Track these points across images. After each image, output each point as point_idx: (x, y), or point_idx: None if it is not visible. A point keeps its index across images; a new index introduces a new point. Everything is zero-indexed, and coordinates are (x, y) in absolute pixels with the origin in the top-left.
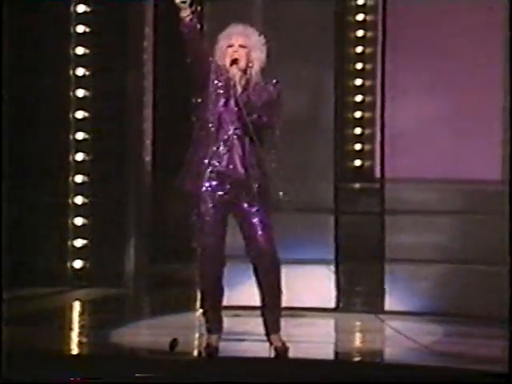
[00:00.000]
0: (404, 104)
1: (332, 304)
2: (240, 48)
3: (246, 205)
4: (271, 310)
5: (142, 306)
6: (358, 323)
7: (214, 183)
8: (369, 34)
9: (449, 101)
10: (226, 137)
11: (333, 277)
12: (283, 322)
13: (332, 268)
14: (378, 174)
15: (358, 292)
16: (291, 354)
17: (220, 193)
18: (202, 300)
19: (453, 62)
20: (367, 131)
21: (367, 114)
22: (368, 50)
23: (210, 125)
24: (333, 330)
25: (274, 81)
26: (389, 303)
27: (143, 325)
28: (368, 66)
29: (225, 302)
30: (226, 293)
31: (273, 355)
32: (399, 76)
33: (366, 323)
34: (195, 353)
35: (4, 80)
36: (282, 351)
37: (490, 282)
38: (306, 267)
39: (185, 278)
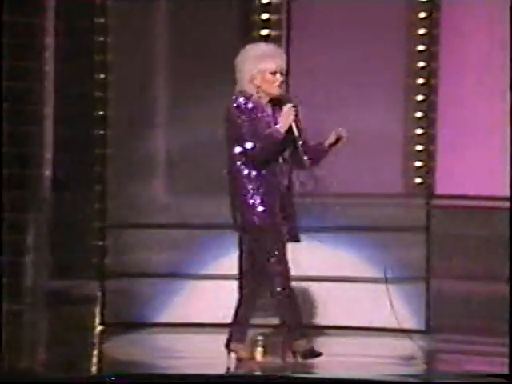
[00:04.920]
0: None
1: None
2: (281, 76)
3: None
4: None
5: (39, 323)
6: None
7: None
8: None
9: None
10: (277, 165)
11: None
12: None
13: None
14: None
15: None
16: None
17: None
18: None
19: None
20: None
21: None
22: None
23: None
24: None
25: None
26: None
27: (41, 341)
28: None
29: None
30: None
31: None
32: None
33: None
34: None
35: None
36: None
37: None
38: None
39: (84, 294)
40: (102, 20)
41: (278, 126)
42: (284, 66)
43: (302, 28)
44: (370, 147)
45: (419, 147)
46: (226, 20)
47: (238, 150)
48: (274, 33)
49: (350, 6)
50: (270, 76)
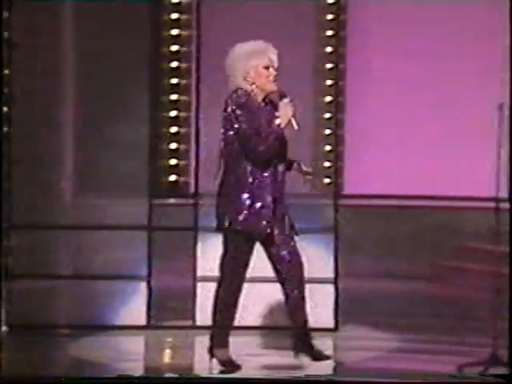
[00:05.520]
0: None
1: None
2: (274, 70)
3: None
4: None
5: None
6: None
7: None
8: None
9: None
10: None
11: None
12: None
13: None
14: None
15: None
16: None
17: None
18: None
19: None
20: (182, 146)
21: (183, 130)
22: (184, 65)
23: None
24: None
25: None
26: None
27: None
28: (183, 81)
29: None
30: None
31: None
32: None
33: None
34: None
35: None
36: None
37: None
38: None
39: None
40: (7, 15)
41: (277, 122)
42: (276, 61)
43: (212, 28)
44: None
45: (328, 147)
46: (135, 19)
47: (236, 147)
48: (183, 33)
49: (259, 7)
50: (263, 70)
